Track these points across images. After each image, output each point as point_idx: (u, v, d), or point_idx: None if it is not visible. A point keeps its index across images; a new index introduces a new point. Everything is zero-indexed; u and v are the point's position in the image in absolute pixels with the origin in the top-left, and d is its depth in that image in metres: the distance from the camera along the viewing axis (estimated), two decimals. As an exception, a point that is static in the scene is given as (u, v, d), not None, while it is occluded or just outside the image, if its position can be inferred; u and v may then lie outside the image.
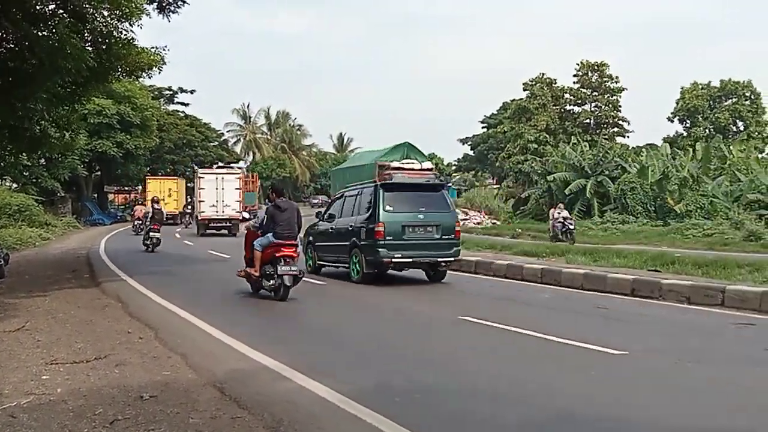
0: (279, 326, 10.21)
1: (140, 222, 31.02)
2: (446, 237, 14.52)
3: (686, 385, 6.50)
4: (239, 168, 49.00)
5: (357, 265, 14.80)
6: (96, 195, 53.72)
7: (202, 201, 35.50)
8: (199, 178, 36.60)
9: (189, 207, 46.05)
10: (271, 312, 11.45)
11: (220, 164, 47.10)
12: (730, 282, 11.77)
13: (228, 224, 35.07)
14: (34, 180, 39.02)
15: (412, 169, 18.79)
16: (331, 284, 14.85)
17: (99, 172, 51.38)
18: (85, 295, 13.32)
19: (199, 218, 35.57)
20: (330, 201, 18.69)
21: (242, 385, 6.44)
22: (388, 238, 14.11)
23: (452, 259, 14.83)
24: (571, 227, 28.90)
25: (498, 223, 46.05)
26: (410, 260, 14.42)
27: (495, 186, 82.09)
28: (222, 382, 6.52)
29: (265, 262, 12.03)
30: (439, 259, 14.64)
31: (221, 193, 35.44)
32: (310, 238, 17.27)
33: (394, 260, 14.19)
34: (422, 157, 22.65)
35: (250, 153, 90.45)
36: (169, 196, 46.65)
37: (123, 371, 7.05)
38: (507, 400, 6.01)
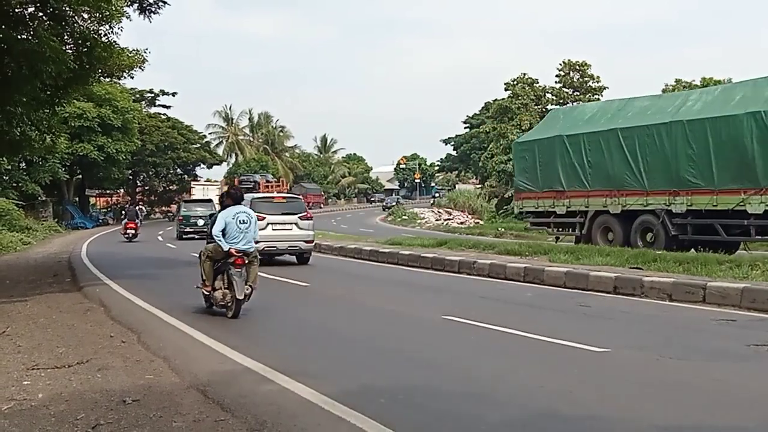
0: (262, 328, 10.18)
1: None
2: None
3: (668, 382, 6.54)
4: (217, 181, 61.80)
5: None
6: (77, 198, 53.30)
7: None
8: (191, 188, 50.69)
9: None
10: (254, 314, 11.40)
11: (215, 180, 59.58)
12: (711, 278, 11.84)
13: None
14: (14, 184, 38.68)
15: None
16: (314, 285, 14.84)
17: (80, 176, 50.99)
18: (67, 299, 13.22)
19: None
20: None
21: (225, 387, 6.42)
22: None
23: None
24: None
25: (481, 222, 46.31)
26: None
27: (478, 186, 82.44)
28: (205, 385, 6.50)
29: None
30: None
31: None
32: None
33: None
34: None
35: (233, 155, 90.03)
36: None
37: (105, 375, 7.01)
38: (490, 399, 6.04)
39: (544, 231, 23.99)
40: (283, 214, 19.44)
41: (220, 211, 11.06)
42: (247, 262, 10.58)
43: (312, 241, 20.35)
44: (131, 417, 5.57)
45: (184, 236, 33.49)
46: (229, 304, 10.55)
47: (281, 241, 19.04)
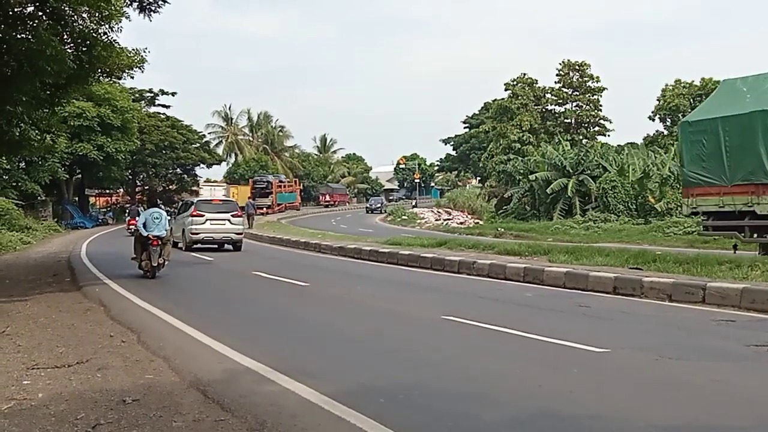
0: (261, 328, 10.18)
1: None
2: None
3: (667, 382, 6.55)
4: (226, 183, 69.47)
5: None
6: (77, 198, 53.23)
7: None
8: (201, 188, 60.42)
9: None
10: (254, 314, 11.45)
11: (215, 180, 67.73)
12: (711, 279, 11.85)
13: (250, 210, 44.05)
14: (14, 183, 38.62)
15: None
16: (314, 285, 14.84)
17: (80, 175, 50.95)
18: (67, 299, 13.22)
19: None
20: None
21: (225, 387, 6.43)
22: None
23: None
24: None
25: (481, 222, 46.27)
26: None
27: (477, 186, 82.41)
28: (205, 385, 6.50)
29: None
30: None
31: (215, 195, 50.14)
32: None
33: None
34: None
35: (233, 154, 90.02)
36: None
37: (105, 375, 7.01)
38: (490, 399, 6.04)
39: (731, 237, 17.83)
40: (218, 212, 25.43)
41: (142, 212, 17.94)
42: (160, 243, 16.07)
43: (241, 233, 26.55)
44: (131, 417, 5.58)
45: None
46: (148, 271, 16.11)
47: (217, 233, 25.30)
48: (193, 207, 25.82)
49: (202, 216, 24.94)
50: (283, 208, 70.75)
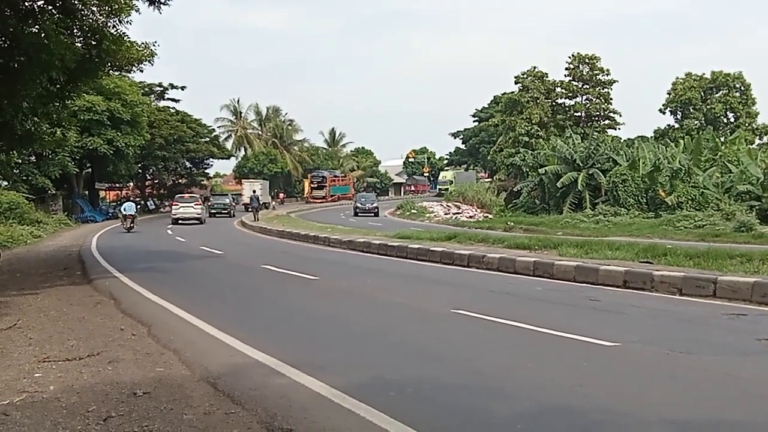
0: (271, 321, 10.19)
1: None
2: None
3: (678, 376, 6.53)
4: (263, 179, 75.27)
5: None
6: (87, 192, 53.44)
7: (243, 195, 63.81)
8: (241, 184, 72.01)
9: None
10: (264, 307, 11.47)
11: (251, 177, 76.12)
12: (722, 273, 11.79)
13: (255, 204, 49.79)
14: (24, 178, 38.83)
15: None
16: (323, 279, 14.85)
17: (90, 169, 51.14)
18: (77, 292, 13.29)
19: (242, 202, 60.59)
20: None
21: (235, 380, 6.44)
22: None
23: None
24: None
25: (490, 216, 46.12)
26: None
27: (487, 180, 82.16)
28: (215, 378, 6.52)
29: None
30: None
31: (251, 189, 60.56)
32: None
33: None
34: None
35: (242, 148, 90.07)
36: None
37: (116, 368, 7.04)
38: (500, 393, 6.03)
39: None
40: (186, 202, 44.38)
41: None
42: (131, 217, 35.29)
43: (201, 215, 44.08)
44: (142, 409, 5.60)
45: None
46: (128, 228, 34.32)
47: (187, 215, 43.02)
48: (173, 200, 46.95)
49: (176, 206, 44.22)
50: (337, 199, 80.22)
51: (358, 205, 56.10)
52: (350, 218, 48.93)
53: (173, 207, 44.52)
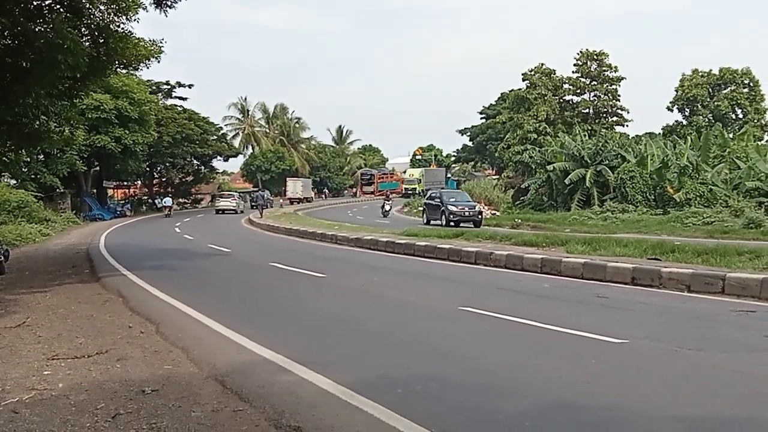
0: (279, 319, 10.21)
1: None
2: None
3: (687, 373, 6.50)
4: (306, 178, 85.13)
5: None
6: (95, 190, 53.64)
7: (288, 190, 76.20)
8: (286, 182, 78.31)
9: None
10: (272, 305, 11.48)
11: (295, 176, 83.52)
12: (731, 269, 11.75)
13: (300, 198, 65.63)
14: (32, 176, 38.95)
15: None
16: (331, 276, 14.86)
17: (98, 168, 51.33)
18: (86, 290, 13.34)
19: (287, 197, 73.76)
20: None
21: (243, 378, 6.45)
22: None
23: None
24: None
25: (498, 213, 46.06)
26: None
27: (494, 177, 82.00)
28: (223, 375, 6.54)
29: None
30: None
31: (296, 186, 76.30)
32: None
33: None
34: None
35: (249, 146, 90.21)
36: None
37: (124, 366, 7.07)
38: (507, 390, 6.03)
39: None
40: (225, 198, 57.00)
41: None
42: (168, 207, 50.40)
43: (236, 207, 53.98)
44: (150, 407, 5.62)
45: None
46: (165, 215, 44.52)
47: (226, 206, 54.59)
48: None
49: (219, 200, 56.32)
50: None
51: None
52: (357, 216, 48.91)
53: (216, 201, 60.23)
